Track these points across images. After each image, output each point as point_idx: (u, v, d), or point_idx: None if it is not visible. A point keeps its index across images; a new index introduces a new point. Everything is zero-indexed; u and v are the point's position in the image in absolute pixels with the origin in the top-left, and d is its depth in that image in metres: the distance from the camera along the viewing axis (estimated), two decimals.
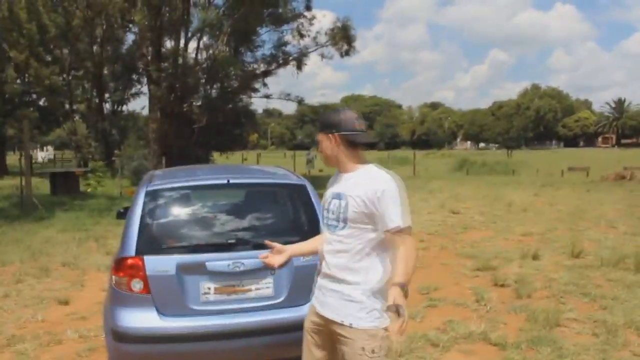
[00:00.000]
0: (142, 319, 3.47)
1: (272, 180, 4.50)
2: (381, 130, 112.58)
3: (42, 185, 19.46)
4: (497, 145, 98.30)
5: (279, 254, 2.88)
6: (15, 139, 36.65)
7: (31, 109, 35.27)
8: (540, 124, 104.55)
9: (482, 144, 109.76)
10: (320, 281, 2.78)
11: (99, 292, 6.20)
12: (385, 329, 2.48)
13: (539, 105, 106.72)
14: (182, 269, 3.58)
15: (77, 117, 34.82)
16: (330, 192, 2.78)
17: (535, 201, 15.92)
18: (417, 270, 7.35)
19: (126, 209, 4.18)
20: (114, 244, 8.13)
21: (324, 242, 2.77)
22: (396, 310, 2.31)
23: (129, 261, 3.53)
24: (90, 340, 4.91)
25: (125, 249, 3.60)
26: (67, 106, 33.29)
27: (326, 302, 2.70)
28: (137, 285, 3.49)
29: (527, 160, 42.15)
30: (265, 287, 3.69)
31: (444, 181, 24.40)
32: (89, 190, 19.44)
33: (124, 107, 40.70)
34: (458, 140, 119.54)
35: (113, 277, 3.61)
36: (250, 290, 3.67)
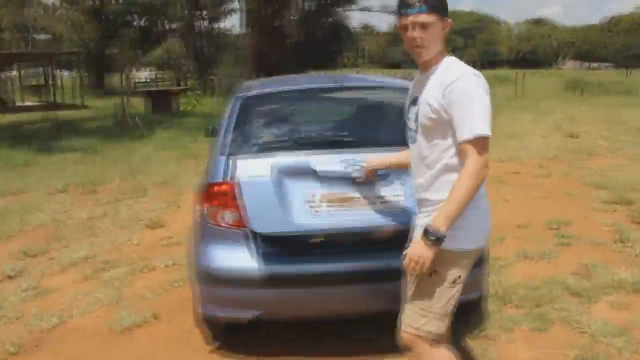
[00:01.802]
0: (235, 257, 2.92)
1: (385, 84, 3.75)
2: (481, 48, 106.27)
3: (141, 105, 19.78)
4: (611, 64, 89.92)
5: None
6: (117, 60, 37.79)
7: (131, 29, 35.91)
8: None
9: (593, 64, 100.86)
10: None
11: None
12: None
13: None
14: (284, 183, 2.92)
15: (174, 37, 35.08)
16: (409, 96, 2.38)
17: None
18: (541, 201, 6.41)
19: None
20: None
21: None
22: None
23: (217, 188, 2.97)
24: (183, 269, 4.56)
25: (213, 174, 3.03)
26: (164, 25, 33.54)
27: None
28: (228, 216, 2.95)
29: None
30: (394, 197, 2.92)
31: (555, 102, 22.32)
32: (188, 108, 19.55)
33: (220, 25, 40.51)
34: (567, 59, 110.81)
35: (198, 208, 3.07)
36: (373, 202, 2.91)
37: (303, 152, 3.04)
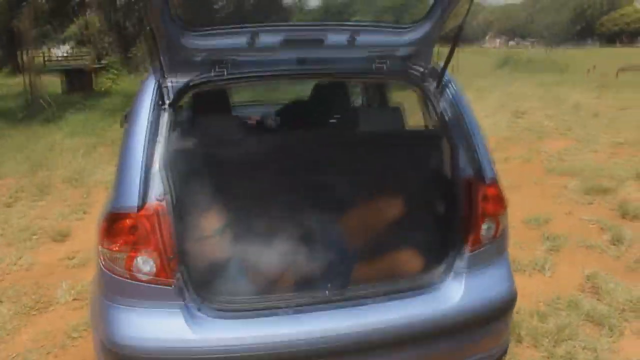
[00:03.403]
0: (159, 327, 1.91)
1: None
2: None
3: (55, 84, 17.83)
4: (531, 41, 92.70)
5: None
6: (26, 36, 34.67)
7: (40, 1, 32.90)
8: (583, 19, 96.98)
9: (511, 42, 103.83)
10: None
11: None
12: None
13: None
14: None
15: (89, 11, 32.45)
16: None
17: (601, 104, 13.80)
18: (509, 191, 5.75)
19: None
20: None
21: None
22: None
23: (129, 221, 1.92)
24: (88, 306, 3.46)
25: (122, 197, 1.96)
26: None
27: None
28: (146, 265, 1.90)
29: (568, 59, 38.96)
30: None
31: (490, 79, 22.09)
32: (103, 88, 17.85)
33: None
34: (487, 37, 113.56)
35: (100, 249, 1.99)
36: None
37: None
